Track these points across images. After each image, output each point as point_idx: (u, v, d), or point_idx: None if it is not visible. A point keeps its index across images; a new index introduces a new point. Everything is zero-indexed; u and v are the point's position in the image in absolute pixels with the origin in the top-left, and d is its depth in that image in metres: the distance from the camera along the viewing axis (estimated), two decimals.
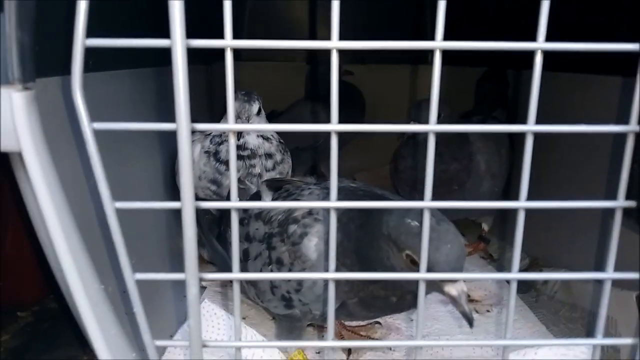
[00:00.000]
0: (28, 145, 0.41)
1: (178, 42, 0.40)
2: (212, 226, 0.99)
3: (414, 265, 0.64)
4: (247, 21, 2.11)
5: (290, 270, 0.78)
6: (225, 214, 0.94)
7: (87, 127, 0.42)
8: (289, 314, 0.84)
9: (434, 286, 0.64)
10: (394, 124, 0.45)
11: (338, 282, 0.74)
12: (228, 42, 0.41)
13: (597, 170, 1.01)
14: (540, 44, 0.42)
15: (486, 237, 1.47)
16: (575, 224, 1.11)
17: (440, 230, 0.65)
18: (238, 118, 1.04)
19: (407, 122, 1.19)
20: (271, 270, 0.81)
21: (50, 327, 1.05)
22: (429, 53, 1.80)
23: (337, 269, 0.73)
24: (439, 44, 0.41)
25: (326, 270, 0.72)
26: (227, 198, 1.05)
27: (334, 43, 0.41)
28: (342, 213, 0.75)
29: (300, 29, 2.06)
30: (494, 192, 1.34)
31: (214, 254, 0.96)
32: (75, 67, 0.41)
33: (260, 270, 0.83)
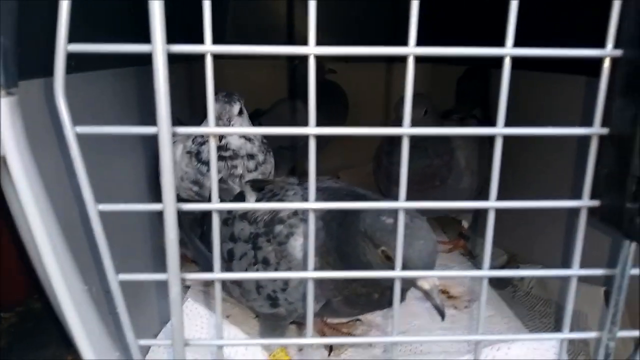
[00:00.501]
0: (12, 151, 0.42)
1: (159, 48, 0.41)
2: (194, 226, 1.00)
3: (389, 261, 0.67)
4: (229, 20, 2.11)
5: (276, 270, 0.80)
6: (207, 214, 0.95)
7: (70, 131, 0.43)
8: (274, 313, 0.85)
9: (409, 282, 0.66)
10: (371, 127, 0.47)
11: (323, 281, 0.76)
12: (208, 47, 0.42)
13: (567, 165, 1.05)
14: (509, 50, 0.43)
15: (466, 234, 1.50)
16: (551, 221, 1.14)
17: (413, 227, 0.67)
18: (219, 119, 1.05)
19: (393, 117, 1.22)
20: (257, 270, 0.82)
21: (34, 328, 1.05)
22: None
23: (322, 268, 0.75)
24: (412, 50, 0.42)
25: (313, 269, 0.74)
26: (209, 199, 1.06)
27: (312, 49, 0.43)
28: (326, 212, 0.76)
29: (284, 25, 2.07)
30: (474, 188, 1.37)
31: (197, 254, 0.97)
32: (57, 73, 0.42)
33: (246, 270, 0.84)
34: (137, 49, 0.42)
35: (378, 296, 0.77)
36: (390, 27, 1.90)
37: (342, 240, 0.74)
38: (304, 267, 0.77)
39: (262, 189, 0.93)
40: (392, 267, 0.62)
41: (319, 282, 0.75)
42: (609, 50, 0.43)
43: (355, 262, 0.71)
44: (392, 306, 0.81)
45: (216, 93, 1.07)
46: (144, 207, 0.49)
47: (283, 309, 0.83)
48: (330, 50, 0.43)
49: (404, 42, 0.43)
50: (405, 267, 0.57)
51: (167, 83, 0.41)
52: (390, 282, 0.65)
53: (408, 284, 0.68)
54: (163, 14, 0.40)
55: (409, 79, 0.43)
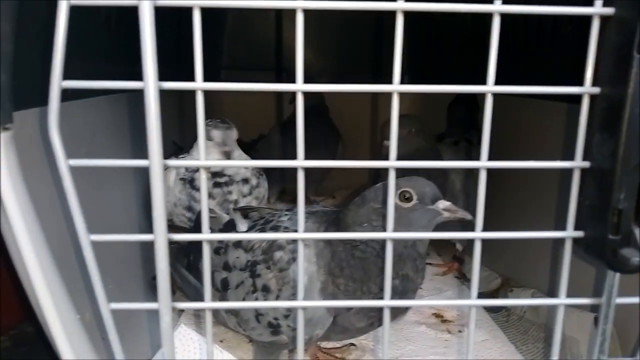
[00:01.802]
0: (6, 184, 0.43)
1: (151, 85, 0.42)
2: (179, 255, 0.98)
3: (407, 202, 0.75)
4: (225, 42, 2.15)
5: (278, 297, 0.79)
6: (193, 243, 0.93)
7: (64, 164, 0.44)
8: (274, 341, 0.83)
9: (434, 214, 0.77)
10: (360, 160, 0.48)
11: (333, 294, 0.76)
12: (199, 84, 0.44)
13: (553, 188, 1.07)
14: (491, 87, 0.45)
15: (460, 256, 1.50)
16: (544, 244, 1.14)
17: (412, 177, 0.77)
18: (224, 145, 1.08)
19: (382, 140, 1.25)
20: (256, 299, 0.81)
21: (28, 351, 1.04)
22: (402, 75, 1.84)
23: (330, 286, 0.76)
24: (396, 87, 0.44)
25: (322, 291, 0.75)
26: (195, 225, 1.05)
27: (299, 86, 0.44)
28: (325, 230, 0.80)
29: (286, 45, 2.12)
30: (469, 211, 1.37)
31: (184, 284, 0.95)
32: (52, 107, 0.43)
33: (243, 299, 0.83)
34: (129, 85, 0.43)
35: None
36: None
37: (346, 243, 0.77)
38: (310, 291, 0.77)
39: (247, 215, 0.92)
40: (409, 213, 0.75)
41: (327, 297, 0.76)
42: (587, 88, 0.44)
43: (362, 253, 0.75)
44: (400, 316, 0.82)
45: (211, 120, 1.09)
46: (135, 238, 0.50)
47: (285, 336, 0.81)
48: (318, 87, 0.44)
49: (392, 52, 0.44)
50: (422, 201, 0.75)
51: (158, 118, 0.43)
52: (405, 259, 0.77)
53: (433, 218, 0.77)
54: (155, 52, 0.42)
55: (394, 114, 0.45)
